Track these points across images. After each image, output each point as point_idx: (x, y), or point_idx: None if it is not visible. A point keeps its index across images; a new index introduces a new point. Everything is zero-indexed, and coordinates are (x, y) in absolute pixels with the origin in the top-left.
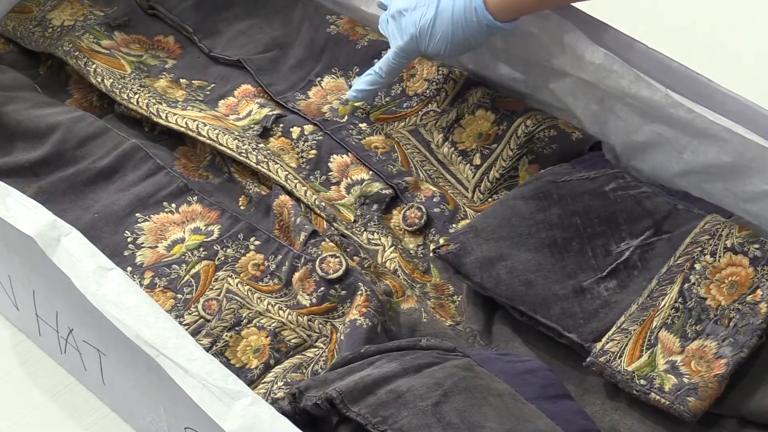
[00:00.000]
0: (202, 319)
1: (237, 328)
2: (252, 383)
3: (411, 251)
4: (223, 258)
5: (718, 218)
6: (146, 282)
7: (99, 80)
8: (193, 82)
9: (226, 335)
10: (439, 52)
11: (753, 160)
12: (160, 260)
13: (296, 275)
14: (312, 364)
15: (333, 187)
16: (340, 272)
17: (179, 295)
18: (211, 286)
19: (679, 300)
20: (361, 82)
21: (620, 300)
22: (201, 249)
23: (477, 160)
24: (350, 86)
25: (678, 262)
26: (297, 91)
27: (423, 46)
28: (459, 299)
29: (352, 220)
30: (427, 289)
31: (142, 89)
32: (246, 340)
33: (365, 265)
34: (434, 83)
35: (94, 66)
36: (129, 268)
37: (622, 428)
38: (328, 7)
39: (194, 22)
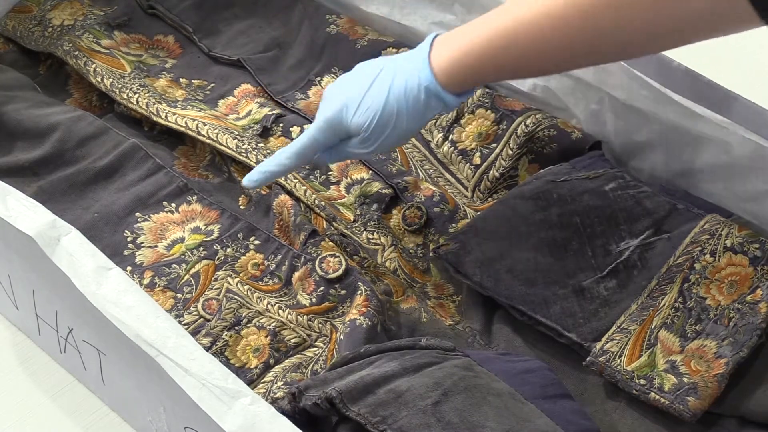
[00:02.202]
0: (201, 319)
1: (237, 328)
2: (252, 383)
3: (411, 251)
4: (222, 257)
5: (718, 218)
6: (146, 282)
7: (99, 80)
8: (192, 81)
9: (226, 335)
10: (360, 128)
11: (753, 159)
12: (159, 260)
13: (296, 275)
14: (312, 364)
15: (333, 187)
16: (340, 272)
17: (179, 295)
18: (210, 286)
19: (679, 300)
20: (268, 164)
21: (620, 299)
22: (201, 248)
23: (477, 160)
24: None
25: (678, 261)
26: (297, 91)
27: (348, 118)
28: (459, 299)
29: (352, 220)
30: (427, 288)
31: (141, 89)
32: (246, 339)
33: (365, 265)
34: None
35: (93, 65)
36: (129, 268)
37: (622, 428)
38: (328, 6)
39: (194, 21)
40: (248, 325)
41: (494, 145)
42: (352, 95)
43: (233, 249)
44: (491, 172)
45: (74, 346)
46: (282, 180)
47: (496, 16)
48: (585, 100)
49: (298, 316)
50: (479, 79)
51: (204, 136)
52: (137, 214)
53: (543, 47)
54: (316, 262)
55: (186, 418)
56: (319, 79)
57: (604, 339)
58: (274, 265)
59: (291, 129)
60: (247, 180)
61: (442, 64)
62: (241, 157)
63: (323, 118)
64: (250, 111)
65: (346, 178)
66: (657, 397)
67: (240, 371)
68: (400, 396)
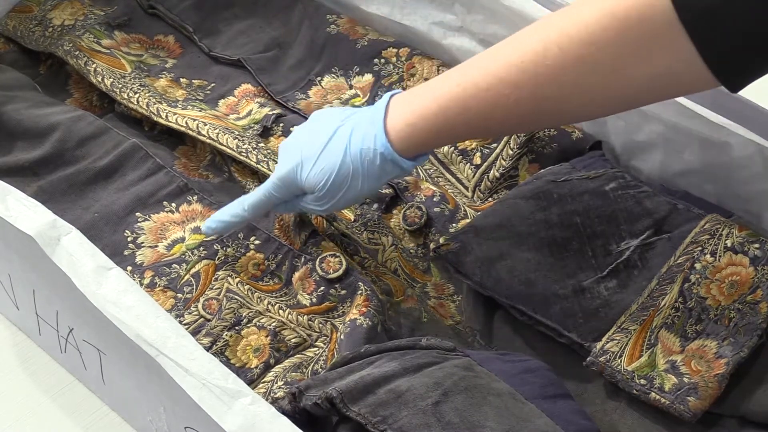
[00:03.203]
0: (202, 319)
1: (237, 328)
2: (252, 383)
3: (411, 251)
4: (223, 257)
5: (718, 218)
6: (146, 281)
7: (99, 80)
8: (193, 81)
9: (226, 335)
10: (314, 187)
11: (753, 159)
12: (160, 260)
13: (296, 275)
14: (312, 364)
15: None
16: (340, 272)
17: (179, 295)
18: (211, 286)
19: (680, 300)
20: (225, 213)
21: (620, 299)
22: (201, 248)
23: (477, 160)
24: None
25: (678, 261)
26: (297, 91)
27: (302, 177)
28: (459, 299)
29: (352, 220)
30: (427, 288)
31: (142, 89)
32: (246, 339)
33: (365, 265)
34: None
35: (94, 65)
36: (129, 268)
37: (622, 428)
38: (328, 6)
39: (194, 21)
40: (248, 325)
41: (494, 144)
42: (308, 153)
43: (233, 249)
44: (491, 171)
45: (74, 346)
46: None
47: (452, 77)
48: None
49: (299, 316)
50: (434, 144)
51: (204, 135)
52: (137, 213)
53: (496, 113)
54: (317, 262)
55: (186, 418)
56: (319, 79)
57: (604, 339)
58: (274, 265)
59: (291, 129)
60: (206, 227)
61: (397, 128)
62: (241, 157)
63: (278, 176)
64: (251, 111)
65: None
66: (657, 397)
67: (240, 371)
68: (401, 396)
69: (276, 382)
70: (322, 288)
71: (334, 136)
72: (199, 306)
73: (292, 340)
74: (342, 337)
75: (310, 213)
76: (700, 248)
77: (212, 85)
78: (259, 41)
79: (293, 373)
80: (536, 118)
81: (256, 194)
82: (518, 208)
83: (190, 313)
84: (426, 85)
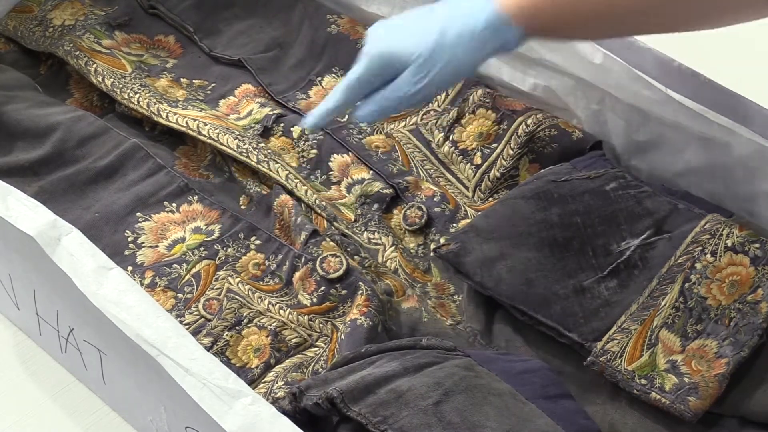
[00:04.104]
0: (202, 319)
1: (237, 328)
2: (252, 383)
3: (411, 251)
4: (223, 257)
5: (719, 218)
6: (147, 281)
7: (99, 80)
8: (193, 81)
9: (227, 335)
10: (411, 55)
11: (753, 159)
12: (160, 260)
13: (297, 275)
14: (312, 364)
15: (333, 187)
16: (341, 272)
17: (180, 295)
18: (211, 286)
19: (680, 299)
20: (321, 108)
21: (621, 299)
22: (201, 248)
23: (478, 160)
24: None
25: (679, 261)
26: (297, 91)
27: (398, 45)
28: (459, 299)
29: (353, 220)
30: (428, 288)
31: (142, 89)
32: (246, 339)
33: (366, 265)
34: None
35: (94, 65)
36: (129, 268)
37: (623, 428)
38: (328, 6)
39: (194, 21)
40: (249, 325)
41: (495, 144)
42: (407, 22)
43: (234, 249)
44: (492, 171)
45: (75, 346)
46: (283, 180)
47: None
48: (586, 100)
49: (299, 316)
50: (544, 23)
51: (204, 135)
52: (138, 213)
53: None
54: (317, 262)
55: (187, 418)
56: (319, 79)
57: (604, 339)
58: (274, 265)
59: (292, 129)
60: (309, 124)
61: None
62: (242, 157)
63: (371, 52)
64: (251, 111)
65: (347, 178)
66: (658, 396)
67: (241, 371)
68: (401, 396)
69: (276, 382)
70: (322, 288)
71: (434, 9)
72: (200, 306)
73: (293, 340)
74: (342, 337)
75: (399, 102)
76: (700, 248)
77: (213, 85)
78: (260, 41)
79: (294, 373)
80: (655, 10)
81: (346, 79)
82: (519, 208)
83: (190, 313)
84: None
